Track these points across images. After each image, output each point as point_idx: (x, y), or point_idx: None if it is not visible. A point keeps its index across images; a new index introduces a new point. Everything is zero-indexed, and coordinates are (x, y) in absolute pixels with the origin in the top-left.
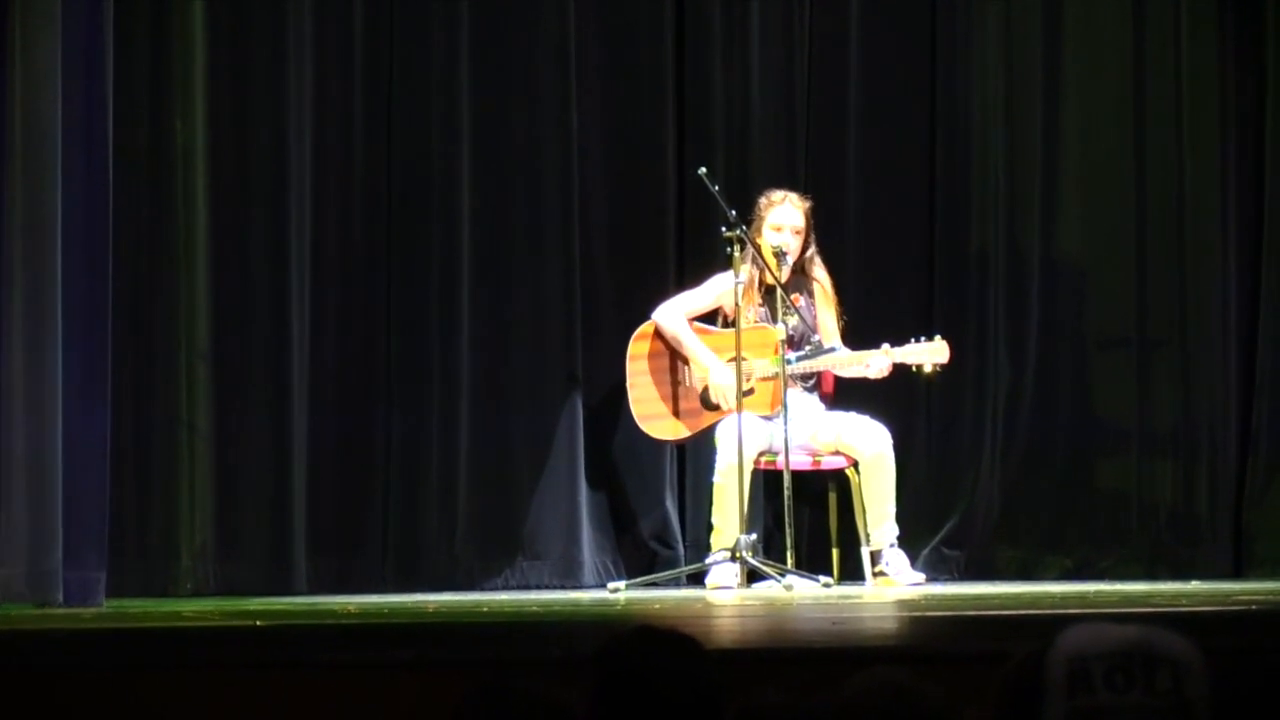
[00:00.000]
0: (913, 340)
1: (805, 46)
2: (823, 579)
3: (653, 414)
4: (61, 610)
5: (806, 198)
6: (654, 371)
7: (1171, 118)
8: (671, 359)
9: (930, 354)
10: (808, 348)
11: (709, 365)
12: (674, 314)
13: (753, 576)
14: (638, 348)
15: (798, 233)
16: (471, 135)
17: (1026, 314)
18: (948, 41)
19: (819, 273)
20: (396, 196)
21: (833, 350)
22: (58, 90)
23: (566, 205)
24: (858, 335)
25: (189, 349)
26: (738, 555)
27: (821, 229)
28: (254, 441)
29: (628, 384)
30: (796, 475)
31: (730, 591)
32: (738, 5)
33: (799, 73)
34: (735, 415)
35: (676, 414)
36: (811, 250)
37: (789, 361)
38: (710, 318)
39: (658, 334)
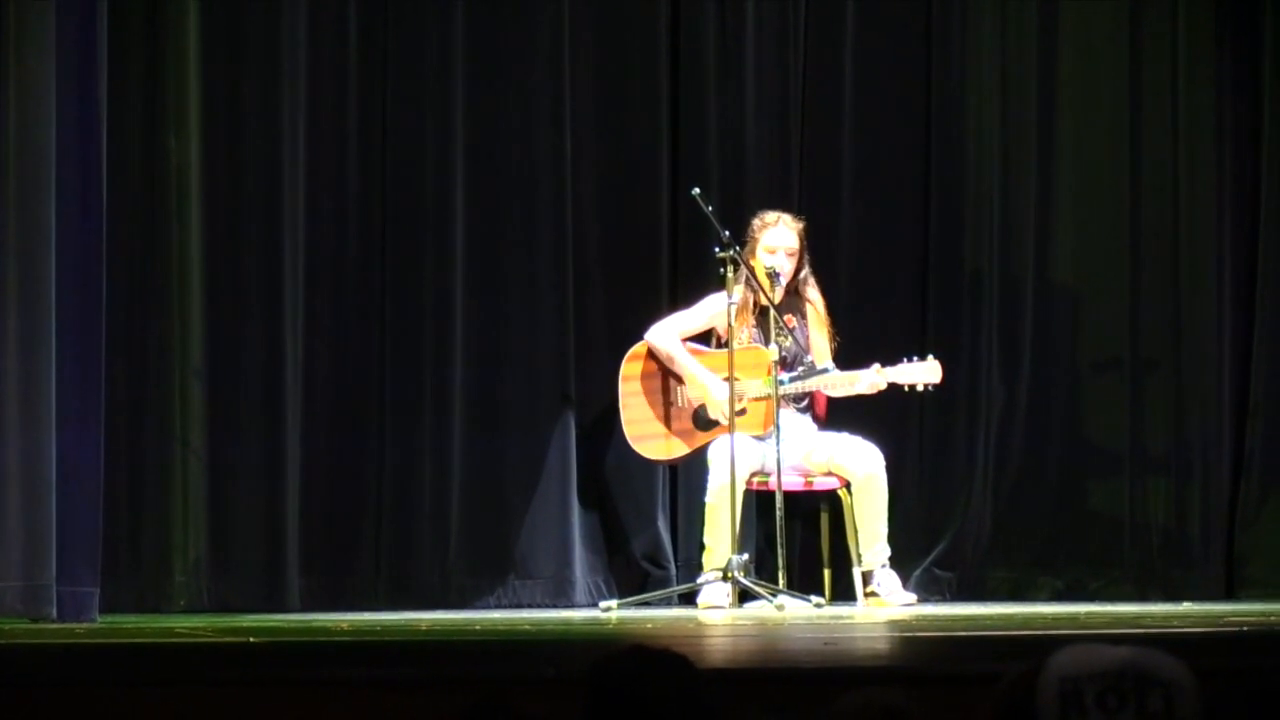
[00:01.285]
0: (905, 360)
1: (799, 67)
2: (814, 599)
3: (645, 434)
4: (55, 625)
5: (800, 218)
6: (647, 392)
7: (1167, 140)
8: (664, 379)
9: (923, 374)
10: (800, 369)
11: (706, 382)
12: (667, 333)
13: (744, 596)
14: (630, 368)
15: (792, 254)
16: (465, 155)
17: (1020, 334)
18: (943, 62)
19: (812, 293)
20: (390, 215)
21: (825, 371)
22: (51, 108)
23: (560, 225)
24: (851, 354)
25: (183, 365)
26: (729, 575)
27: (815, 249)
28: (247, 458)
29: (620, 404)
30: (789, 496)
31: (722, 611)
32: (732, 25)
33: (793, 93)
34: (728, 436)
35: (669, 434)
36: (805, 271)
37: (781, 382)
38: (704, 338)
39: (650, 354)
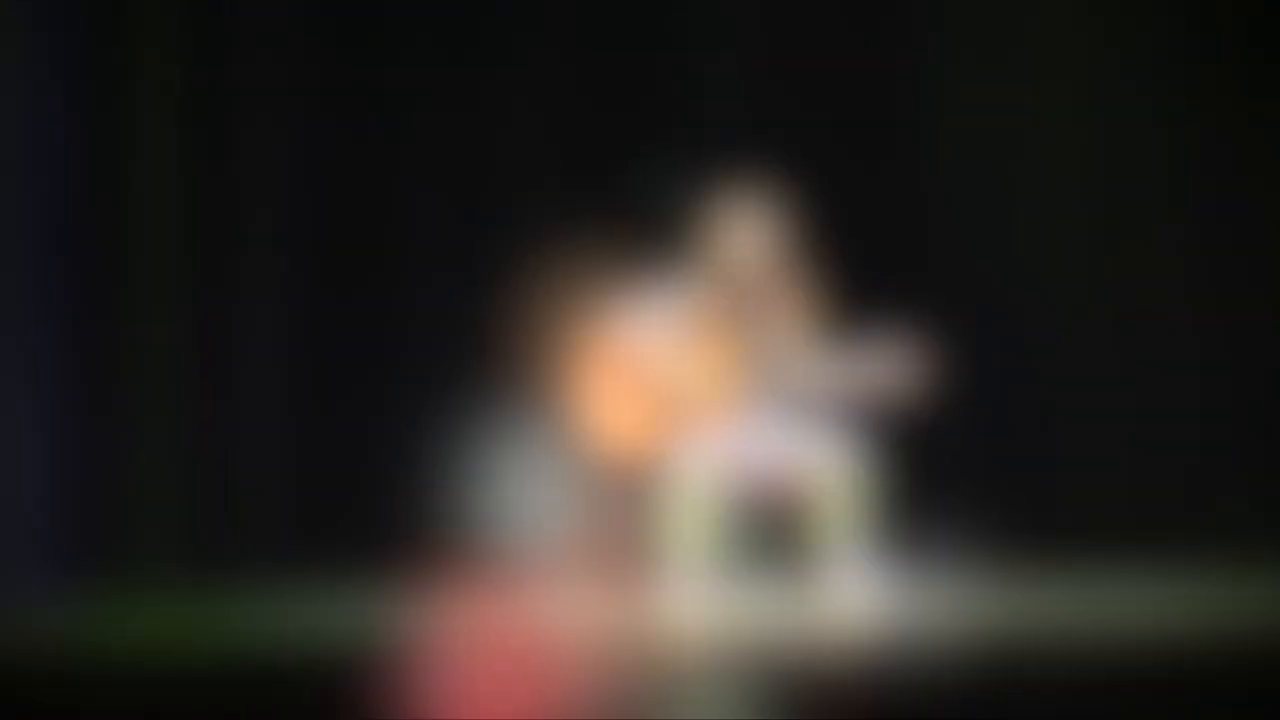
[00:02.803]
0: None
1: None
2: (779, 588)
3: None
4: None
5: None
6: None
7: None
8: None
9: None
10: None
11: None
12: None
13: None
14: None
15: None
16: (416, 123)
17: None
18: (896, 28)
19: None
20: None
21: None
22: (14, 87)
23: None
24: None
25: (134, 351)
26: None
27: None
28: (198, 442)
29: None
30: (752, 487)
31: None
32: None
33: None
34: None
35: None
36: None
37: None
38: None
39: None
